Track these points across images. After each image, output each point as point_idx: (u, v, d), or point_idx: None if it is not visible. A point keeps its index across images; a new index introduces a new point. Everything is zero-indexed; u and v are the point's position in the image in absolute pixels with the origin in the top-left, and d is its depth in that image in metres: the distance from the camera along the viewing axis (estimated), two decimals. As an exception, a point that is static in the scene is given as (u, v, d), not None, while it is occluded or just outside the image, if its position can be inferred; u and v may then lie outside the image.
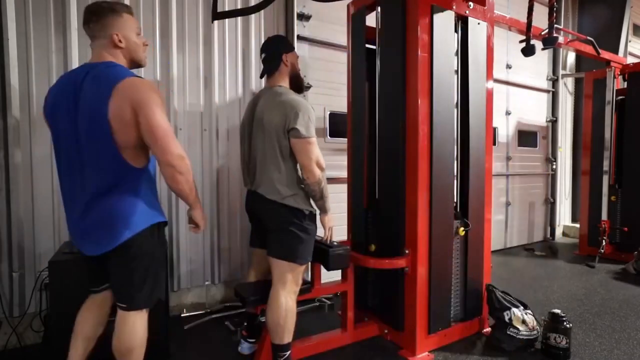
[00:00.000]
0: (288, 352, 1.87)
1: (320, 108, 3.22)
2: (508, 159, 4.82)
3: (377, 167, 2.42)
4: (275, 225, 1.89)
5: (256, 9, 2.45)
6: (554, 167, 5.27)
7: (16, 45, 2.18)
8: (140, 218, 1.45)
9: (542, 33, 2.96)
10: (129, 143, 1.41)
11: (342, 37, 3.15)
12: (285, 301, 1.84)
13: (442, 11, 2.19)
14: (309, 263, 2.21)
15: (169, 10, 2.62)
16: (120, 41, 1.47)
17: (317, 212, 2.00)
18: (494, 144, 4.53)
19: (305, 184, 1.87)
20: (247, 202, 2.07)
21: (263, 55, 2.04)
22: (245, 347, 2.17)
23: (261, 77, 2.12)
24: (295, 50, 2.14)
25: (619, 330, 2.49)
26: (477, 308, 2.43)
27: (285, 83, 2.03)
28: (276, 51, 2.00)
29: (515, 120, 4.87)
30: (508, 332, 2.20)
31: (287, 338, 1.86)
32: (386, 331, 2.36)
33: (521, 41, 2.85)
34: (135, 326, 1.50)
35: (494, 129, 4.57)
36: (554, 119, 5.23)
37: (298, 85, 2.11)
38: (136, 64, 1.57)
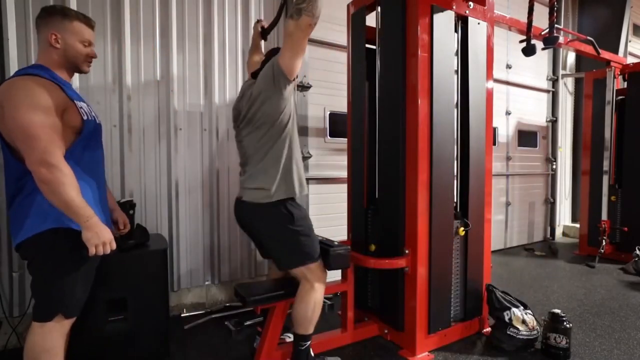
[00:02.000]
0: (309, 342, 1.93)
1: (320, 108, 3.23)
2: (508, 159, 4.82)
3: (377, 167, 2.42)
4: (268, 234, 1.90)
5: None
6: (554, 167, 5.27)
7: (16, 46, 2.18)
8: (33, 222, 1.35)
9: (543, 33, 2.95)
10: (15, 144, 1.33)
11: (342, 37, 3.15)
12: (315, 296, 1.89)
13: (442, 11, 2.19)
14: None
15: (169, 9, 2.62)
16: (56, 41, 1.42)
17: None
18: (494, 144, 4.54)
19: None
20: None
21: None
22: None
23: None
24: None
25: (619, 330, 2.49)
26: (477, 308, 2.43)
27: None
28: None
29: (515, 120, 4.87)
30: (508, 332, 2.20)
31: (311, 329, 1.92)
32: (386, 331, 2.36)
33: (521, 41, 2.85)
34: (35, 340, 1.36)
35: (494, 129, 4.57)
36: (554, 119, 5.23)
37: None
38: (74, 68, 1.52)
